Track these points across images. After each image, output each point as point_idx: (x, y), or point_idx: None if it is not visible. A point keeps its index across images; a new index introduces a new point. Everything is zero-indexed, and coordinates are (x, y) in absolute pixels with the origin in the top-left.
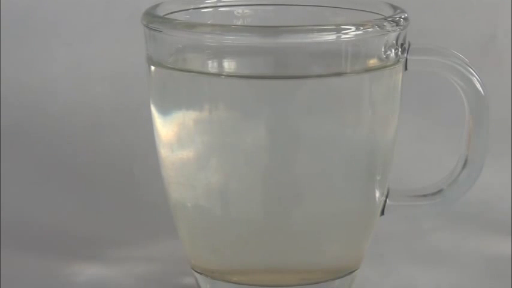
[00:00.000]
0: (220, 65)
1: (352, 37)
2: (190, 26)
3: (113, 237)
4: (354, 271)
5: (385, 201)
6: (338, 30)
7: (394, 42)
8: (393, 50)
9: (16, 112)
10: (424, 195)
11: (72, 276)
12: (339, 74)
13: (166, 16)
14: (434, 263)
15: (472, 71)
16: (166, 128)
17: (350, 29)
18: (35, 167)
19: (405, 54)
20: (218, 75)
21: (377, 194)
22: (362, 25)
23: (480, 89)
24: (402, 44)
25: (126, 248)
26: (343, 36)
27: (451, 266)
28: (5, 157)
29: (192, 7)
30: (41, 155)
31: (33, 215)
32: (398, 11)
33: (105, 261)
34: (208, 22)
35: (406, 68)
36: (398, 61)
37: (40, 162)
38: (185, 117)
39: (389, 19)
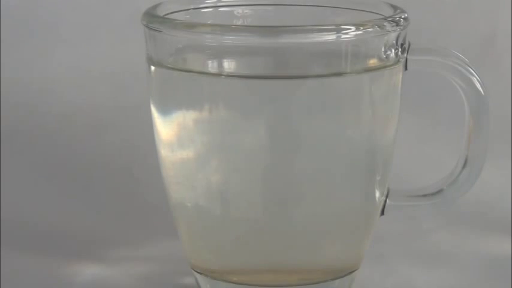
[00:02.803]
0: (220, 65)
1: (352, 37)
2: (190, 26)
3: (113, 237)
4: (354, 271)
5: (385, 201)
6: (338, 30)
7: (394, 42)
8: (393, 50)
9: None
10: (424, 195)
11: (72, 276)
12: (339, 74)
13: (166, 16)
14: (435, 263)
15: (472, 71)
16: (166, 128)
17: (350, 29)
18: (35, 167)
19: (405, 54)
20: (218, 75)
21: (377, 194)
22: (362, 25)
23: (480, 89)
24: (402, 44)
25: (126, 248)
26: (343, 36)
27: (451, 266)
28: (5, 157)
29: (192, 7)
30: (41, 155)
31: (33, 215)
32: (398, 11)
33: (105, 261)
34: (208, 22)
35: (406, 68)
36: (398, 61)
37: (40, 163)
38: (185, 117)
39: (389, 19)
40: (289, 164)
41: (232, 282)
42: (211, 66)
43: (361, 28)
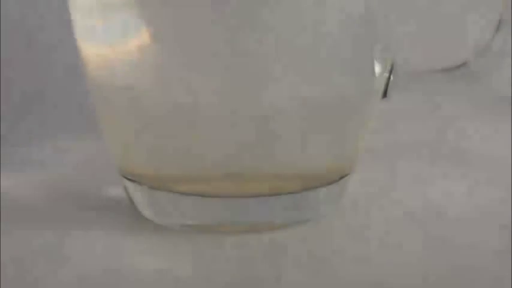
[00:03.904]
0: None
1: None
2: None
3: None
4: (345, 176)
5: (389, 78)
6: None
7: None
8: None
9: None
10: (443, 70)
11: None
12: None
13: None
14: (452, 163)
15: None
16: None
17: None
18: None
19: None
20: None
21: (376, 68)
22: None
23: None
24: None
25: (29, 148)
26: None
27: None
28: None
29: None
30: None
31: None
32: None
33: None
34: None
35: None
36: None
37: None
38: None
39: None
40: (250, 30)
41: (178, 193)
42: None
43: None
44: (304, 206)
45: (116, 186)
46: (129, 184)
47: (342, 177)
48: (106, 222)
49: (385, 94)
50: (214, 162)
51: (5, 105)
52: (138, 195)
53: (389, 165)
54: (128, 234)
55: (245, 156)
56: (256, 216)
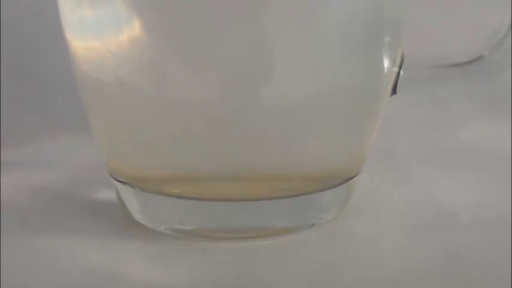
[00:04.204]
0: None
1: None
2: None
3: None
4: (352, 178)
5: (398, 73)
6: None
7: None
8: None
9: None
10: (456, 65)
11: None
12: None
13: None
14: (456, 164)
15: None
16: None
17: None
18: None
19: None
20: None
21: (385, 64)
22: None
23: None
24: None
25: (18, 150)
26: None
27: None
28: None
29: None
30: None
31: None
32: None
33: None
34: None
35: None
36: None
37: None
38: None
39: None
40: (254, 21)
41: (172, 196)
42: None
43: None
44: (308, 209)
45: (108, 189)
46: (120, 186)
47: (348, 179)
48: (97, 227)
49: (394, 90)
50: (211, 162)
51: (4, 105)
52: (130, 198)
53: (395, 166)
54: (119, 239)
55: (245, 157)
56: (256, 221)
